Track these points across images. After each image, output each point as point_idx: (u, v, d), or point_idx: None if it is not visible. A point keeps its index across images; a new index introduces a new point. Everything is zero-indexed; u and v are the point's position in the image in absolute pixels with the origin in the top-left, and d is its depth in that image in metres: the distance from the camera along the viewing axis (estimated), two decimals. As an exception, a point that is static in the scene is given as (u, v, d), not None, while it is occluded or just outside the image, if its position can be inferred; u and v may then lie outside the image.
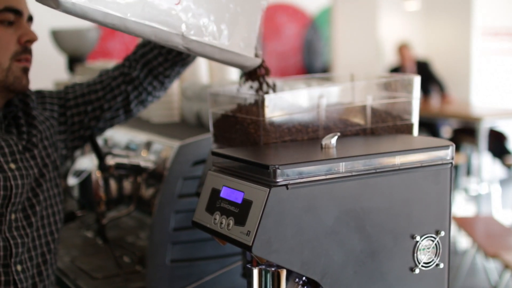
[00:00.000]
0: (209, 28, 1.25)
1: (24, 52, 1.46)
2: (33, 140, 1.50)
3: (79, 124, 1.63)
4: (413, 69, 7.41)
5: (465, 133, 6.58)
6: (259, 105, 1.23)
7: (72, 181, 1.82)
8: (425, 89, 7.44)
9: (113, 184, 1.86)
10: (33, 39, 1.47)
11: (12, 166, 1.44)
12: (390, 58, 7.90)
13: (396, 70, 7.50)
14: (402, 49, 7.45)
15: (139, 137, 1.95)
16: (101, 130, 1.69)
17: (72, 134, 1.64)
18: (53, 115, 1.60)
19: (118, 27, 1.17)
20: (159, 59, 1.59)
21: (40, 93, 1.63)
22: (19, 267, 1.43)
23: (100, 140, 2.02)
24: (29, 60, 1.48)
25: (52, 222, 1.53)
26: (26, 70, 1.47)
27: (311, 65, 8.42)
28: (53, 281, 1.55)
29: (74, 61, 3.19)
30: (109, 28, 1.19)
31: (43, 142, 1.53)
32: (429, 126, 6.99)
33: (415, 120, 1.39)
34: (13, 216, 1.43)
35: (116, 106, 1.63)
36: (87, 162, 1.85)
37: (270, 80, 1.38)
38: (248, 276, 1.20)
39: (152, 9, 1.18)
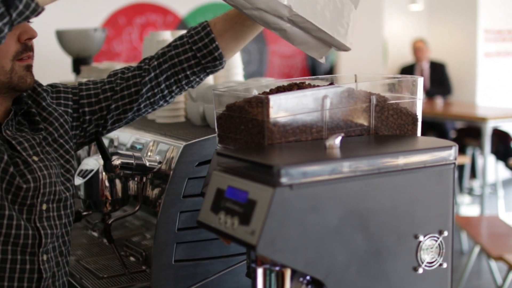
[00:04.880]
0: (313, 9, 1.39)
1: (25, 50, 1.45)
2: (50, 135, 1.53)
3: (89, 122, 1.64)
4: (427, 68, 7.30)
5: (469, 134, 6.56)
6: (263, 106, 1.24)
7: (78, 181, 1.84)
8: (433, 92, 7.33)
9: (118, 184, 1.86)
10: (32, 36, 1.46)
11: (35, 158, 1.46)
12: (395, 58, 7.87)
13: (409, 68, 7.39)
14: (418, 43, 7.32)
15: (145, 137, 1.96)
16: (108, 131, 1.70)
17: (83, 131, 1.65)
18: (67, 110, 1.61)
19: None
20: (191, 62, 1.58)
21: (55, 87, 1.63)
22: (45, 257, 1.46)
23: (105, 140, 2.03)
24: (31, 57, 1.48)
25: (66, 214, 1.55)
26: (29, 67, 1.47)
27: (315, 66, 8.42)
28: (67, 271, 1.57)
29: (79, 62, 3.18)
30: None
31: (60, 139, 1.55)
32: (437, 127, 6.94)
33: (418, 121, 1.40)
34: (44, 206, 1.45)
35: (124, 107, 1.63)
36: (93, 162, 1.86)
37: None
38: (253, 275, 1.21)
39: None
